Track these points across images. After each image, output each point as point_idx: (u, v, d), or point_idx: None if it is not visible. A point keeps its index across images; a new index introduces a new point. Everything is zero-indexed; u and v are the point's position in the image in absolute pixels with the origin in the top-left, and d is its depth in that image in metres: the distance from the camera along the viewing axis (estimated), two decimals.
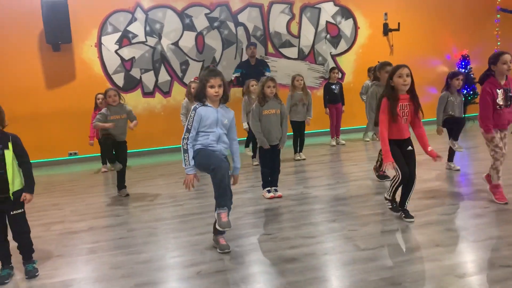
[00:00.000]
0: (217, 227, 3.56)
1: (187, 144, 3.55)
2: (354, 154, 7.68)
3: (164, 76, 9.02)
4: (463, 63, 10.48)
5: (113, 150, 5.69)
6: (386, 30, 10.14)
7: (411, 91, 3.99)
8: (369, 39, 10.12)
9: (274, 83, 5.02)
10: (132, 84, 8.88)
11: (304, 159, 7.32)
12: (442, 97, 5.87)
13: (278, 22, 9.56)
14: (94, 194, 5.98)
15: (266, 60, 9.47)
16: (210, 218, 4.15)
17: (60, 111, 8.41)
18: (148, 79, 8.95)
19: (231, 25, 9.29)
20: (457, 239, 3.73)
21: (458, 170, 6.00)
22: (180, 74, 9.09)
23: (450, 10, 10.46)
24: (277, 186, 5.31)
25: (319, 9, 9.75)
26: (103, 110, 5.60)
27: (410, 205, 4.23)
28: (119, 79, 8.80)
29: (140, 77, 8.90)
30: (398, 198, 4.24)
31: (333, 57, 9.97)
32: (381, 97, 4.02)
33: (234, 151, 3.82)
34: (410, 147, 4.09)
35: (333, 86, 8.53)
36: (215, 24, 9.18)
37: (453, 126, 5.92)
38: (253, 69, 8.16)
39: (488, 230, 3.86)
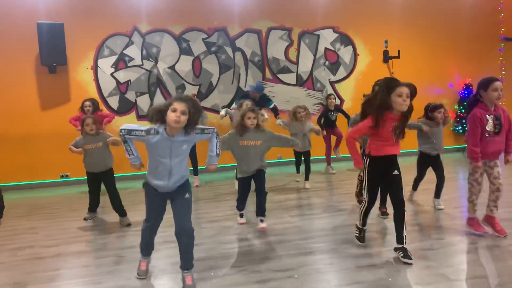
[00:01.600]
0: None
1: (124, 136, 3.33)
2: (347, 182, 7.43)
3: (159, 99, 8.96)
4: (466, 92, 10.26)
5: (98, 183, 5.55)
6: (387, 58, 10.01)
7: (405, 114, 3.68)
8: (369, 66, 9.99)
9: (255, 115, 4.73)
10: (127, 107, 8.83)
11: (307, 189, 6.97)
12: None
13: (276, 48, 9.51)
14: (73, 218, 5.80)
15: (264, 86, 9.40)
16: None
17: (53, 133, 8.36)
18: (143, 102, 8.89)
19: (228, 50, 9.25)
20: (438, 277, 3.47)
21: (442, 209, 5.52)
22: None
23: (453, 39, 10.32)
24: (264, 216, 4.92)
25: (318, 35, 9.69)
26: (77, 139, 5.40)
27: (388, 238, 3.99)
28: (114, 102, 8.76)
29: (135, 100, 8.86)
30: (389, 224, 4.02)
31: (332, 83, 9.84)
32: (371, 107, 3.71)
33: (211, 141, 3.55)
34: (396, 171, 3.85)
35: (331, 113, 8.40)
36: (213, 48, 9.16)
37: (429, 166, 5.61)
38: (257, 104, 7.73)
39: (473, 269, 3.60)
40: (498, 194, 4.18)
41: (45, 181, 8.48)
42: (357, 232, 4.20)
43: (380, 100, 3.58)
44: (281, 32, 9.52)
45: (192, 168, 7.87)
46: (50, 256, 4.32)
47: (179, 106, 3.15)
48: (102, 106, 8.41)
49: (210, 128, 3.48)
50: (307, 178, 7.08)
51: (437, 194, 5.59)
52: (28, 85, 8.28)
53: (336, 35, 9.79)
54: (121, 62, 8.75)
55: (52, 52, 7.94)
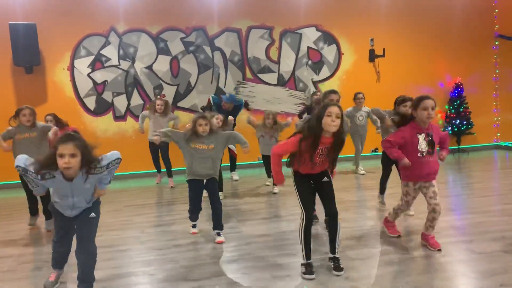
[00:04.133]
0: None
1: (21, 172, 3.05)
2: None
3: (136, 99, 8.91)
4: (456, 92, 9.89)
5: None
6: (373, 56, 9.72)
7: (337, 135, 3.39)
8: (354, 66, 9.72)
9: (206, 121, 4.53)
10: (104, 107, 8.80)
11: (276, 193, 6.68)
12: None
13: (257, 47, 9.33)
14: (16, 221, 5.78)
15: (244, 86, 9.27)
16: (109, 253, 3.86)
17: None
18: (120, 103, 8.85)
19: (207, 49, 9.13)
20: None
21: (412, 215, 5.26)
22: (153, 98, 8.95)
23: (444, 36, 9.94)
24: (221, 229, 4.58)
25: (300, 34, 9.48)
26: (11, 127, 5.07)
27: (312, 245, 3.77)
28: (91, 103, 8.74)
29: (112, 100, 8.82)
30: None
31: (315, 83, 9.61)
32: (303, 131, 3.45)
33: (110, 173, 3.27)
34: (326, 178, 3.63)
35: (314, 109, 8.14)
36: (191, 48, 9.05)
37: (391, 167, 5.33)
38: (229, 113, 7.29)
39: (394, 281, 3.38)
40: (434, 215, 3.88)
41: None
42: (303, 268, 3.54)
43: (316, 119, 3.34)
44: (261, 31, 9.34)
45: (166, 170, 7.82)
46: None
47: (65, 149, 2.88)
48: (78, 107, 8.46)
49: (116, 160, 3.18)
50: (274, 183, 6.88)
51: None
52: (4, 86, 8.33)
53: (319, 33, 9.56)
54: (98, 62, 8.72)
55: (26, 52, 7.96)
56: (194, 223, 4.89)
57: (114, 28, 8.74)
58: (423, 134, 3.78)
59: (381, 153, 5.41)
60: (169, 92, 8.97)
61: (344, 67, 9.71)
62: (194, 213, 4.82)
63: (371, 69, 9.82)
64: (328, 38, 9.61)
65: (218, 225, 4.58)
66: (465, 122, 9.80)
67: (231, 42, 9.23)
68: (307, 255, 3.55)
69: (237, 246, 4.34)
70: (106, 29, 8.71)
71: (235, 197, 6.62)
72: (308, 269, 3.50)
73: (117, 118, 8.86)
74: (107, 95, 8.81)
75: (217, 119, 6.05)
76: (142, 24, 8.84)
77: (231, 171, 8.10)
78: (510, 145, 10.11)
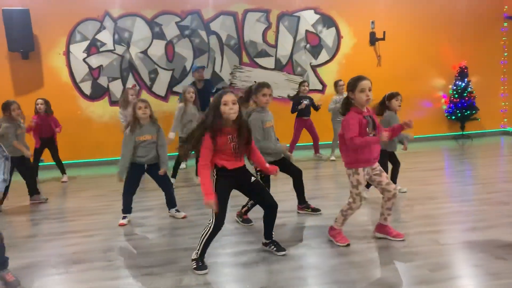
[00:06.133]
0: None
1: None
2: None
3: (131, 84, 8.91)
4: (460, 76, 9.55)
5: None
6: (373, 40, 9.44)
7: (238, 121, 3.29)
8: (354, 49, 9.48)
9: (146, 103, 4.53)
10: (99, 92, 8.85)
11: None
12: (390, 116, 4.98)
13: (254, 30, 9.18)
14: None
15: (241, 71, 9.18)
16: (84, 237, 3.91)
17: (27, 118, 8.48)
18: (116, 88, 8.88)
19: (203, 33, 9.04)
20: (303, 280, 3.20)
21: (405, 192, 5.40)
22: (148, 83, 8.96)
23: (449, 17, 9.58)
24: (175, 206, 4.90)
25: (298, 17, 9.27)
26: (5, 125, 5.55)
27: (256, 235, 3.71)
28: (87, 87, 8.80)
29: (108, 85, 8.86)
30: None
31: (313, 67, 9.43)
32: (203, 129, 3.28)
33: None
34: (253, 178, 3.51)
35: (303, 100, 7.93)
36: (186, 32, 8.97)
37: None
38: (200, 93, 7.13)
39: (345, 272, 3.30)
40: (394, 200, 3.73)
41: None
42: (195, 263, 3.41)
43: (214, 111, 3.24)
44: (258, 14, 9.18)
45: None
46: None
47: None
48: (74, 92, 8.55)
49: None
50: None
51: (393, 181, 5.23)
52: (2, 71, 8.45)
53: (318, 16, 9.33)
54: (93, 47, 8.75)
55: (20, 38, 8.04)
56: (126, 215, 4.85)
57: (109, 13, 8.73)
58: (367, 117, 3.57)
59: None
60: (165, 77, 8.95)
61: (343, 50, 9.48)
62: (129, 203, 4.83)
63: (372, 53, 9.56)
64: (327, 21, 9.37)
65: (173, 203, 4.90)
66: (468, 107, 9.46)
67: (227, 26, 9.10)
68: (203, 252, 3.43)
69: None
70: (101, 13, 8.70)
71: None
72: (200, 264, 3.41)
73: (113, 103, 8.89)
74: (102, 80, 8.85)
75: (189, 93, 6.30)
76: (137, 8, 8.80)
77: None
78: None
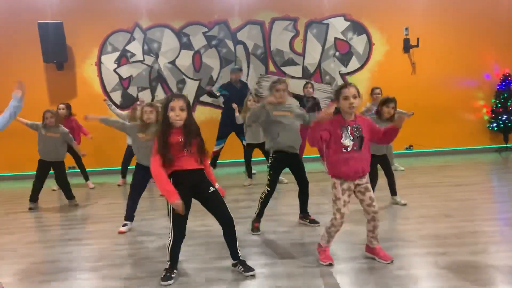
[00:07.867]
0: None
1: None
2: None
3: (160, 94, 9.05)
4: (503, 84, 8.89)
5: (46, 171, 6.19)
6: (407, 46, 9.02)
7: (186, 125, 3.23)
8: (386, 56, 9.10)
9: (152, 109, 4.63)
10: (129, 102, 9.05)
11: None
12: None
13: (281, 39, 9.06)
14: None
15: (267, 80, 9.07)
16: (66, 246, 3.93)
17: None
18: (145, 97, 9.01)
19: (229, 43, 9.03)
20: None
21: (405, 204, 5.17)
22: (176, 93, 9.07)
23: (491, 22, 8.97)
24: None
25: (327, 24, 9.04)
26: (39, 123, 6.18)
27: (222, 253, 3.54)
28: (117, 97, 9.04)
29: (137, 95, 9.05)
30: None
31: (343, 76, 9.14)
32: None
33: None
34: (212, 188, 3.34)
35: (304, 100, 7.58)
36: (213, 42, 9.01)
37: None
38: (238, 93, 7.70)
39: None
40: (374, 224, 3.44)
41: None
42: (165, 281, 3.31)
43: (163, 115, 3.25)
44: (286, 22, 9.05)
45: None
46: None
47: None
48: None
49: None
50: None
51: (393, 191, 5.27)
52: (39, 82, 8.86)
53: (347, 23, 9.06)
54: (124, 58, 8.99)
55: (54, 50, 8.40)
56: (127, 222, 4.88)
57: (139, 24, 8.94)
58: (348, 127, 3.32)
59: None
60: (192, 87, 9.03)
61: (375, 58, 9.13)
62: (133, 205, 4.90)
63: (406, 60, 9.13)
64: (358, 28, 9.07)
65: None
66: None
67: (253, 35, 9.05)
68: (173, 263, 3.38)
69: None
70: (131, 25, 8.94)
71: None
72: (167, 274, 3.32)
73: None
74: (132, 90, 9.06)
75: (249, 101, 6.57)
76: (165, 20, 8.96)
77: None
78: None
